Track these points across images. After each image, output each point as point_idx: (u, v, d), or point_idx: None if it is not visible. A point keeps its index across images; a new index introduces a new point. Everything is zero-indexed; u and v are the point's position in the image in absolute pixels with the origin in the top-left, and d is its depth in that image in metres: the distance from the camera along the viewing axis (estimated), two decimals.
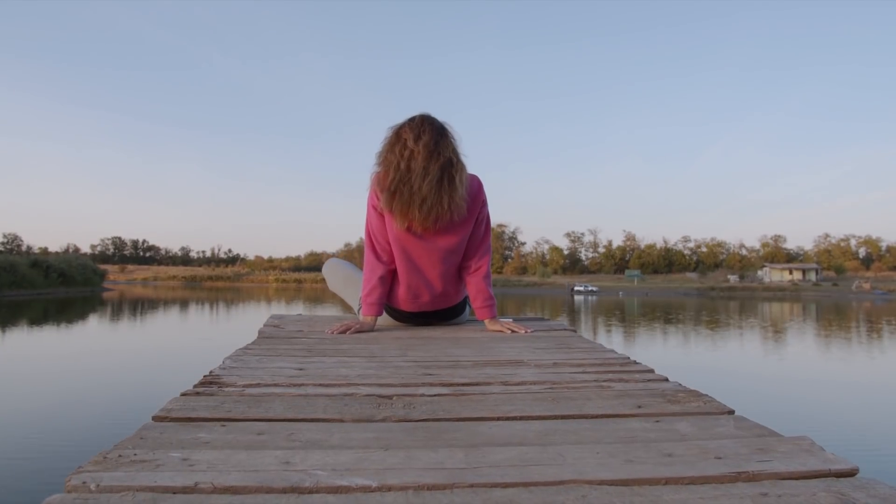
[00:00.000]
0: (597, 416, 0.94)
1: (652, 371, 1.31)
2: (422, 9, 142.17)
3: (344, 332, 1.88)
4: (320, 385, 1.12)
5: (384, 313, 2.08)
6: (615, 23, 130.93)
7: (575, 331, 2.08)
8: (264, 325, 2.09)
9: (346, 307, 2.36)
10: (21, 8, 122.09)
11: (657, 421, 0.91)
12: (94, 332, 11.78)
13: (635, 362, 1.42)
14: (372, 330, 1.96)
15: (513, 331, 1.96)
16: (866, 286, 61.52)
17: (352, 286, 2.28)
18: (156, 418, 0.88)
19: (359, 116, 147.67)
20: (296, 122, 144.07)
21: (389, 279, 2.00)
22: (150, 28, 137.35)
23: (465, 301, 2.20)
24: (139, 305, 23.45)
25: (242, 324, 15.92)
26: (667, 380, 1.22)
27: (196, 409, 0.92)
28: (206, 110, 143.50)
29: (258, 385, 1.11)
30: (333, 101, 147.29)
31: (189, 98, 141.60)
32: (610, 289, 64.93)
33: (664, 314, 20.95)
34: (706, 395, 1.07)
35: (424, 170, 1.86)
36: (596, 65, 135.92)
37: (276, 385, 1.11)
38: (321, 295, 46.72)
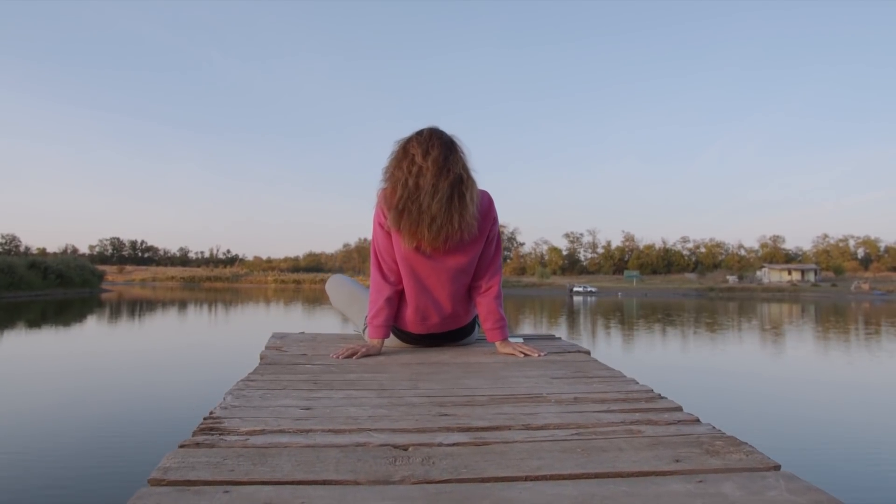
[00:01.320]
0: (633, 475, 0.86)
1: (680, 409, 1.23)
2: (421, 9, 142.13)
3: (350, 356, 1.80)
4: (329, 431, 1.04)
5: (391, 335, 2.01)
6: (615, 23, 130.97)
7: (589, 352, 2.01)
8: (266, 348, 2.01)
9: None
10: (20, 8, 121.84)
11: (700, 481, 0.83)
12: (88, 339, 11.68)
13: (660, 396, 1.34)
14: (379, 354, 1.88)
15: (525, 354, 1.88)
16: (865, 287, 61.55)
17: (356, 304, 2.20)
18: (152, 482, 0.80)
19: (358, 117, 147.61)
20: (295, 122, 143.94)
21: (397, 300, 1.93)
22: (149, 28, 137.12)
23: (475, 321, 2.13)
24: (137, 308, 23.33)
25: (242, 326, 15.83)
26: (699, 421, 1.14)
27: (196, 468, 0.84)
28: (205, 110, 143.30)
29: (263, 432, 1.03)
30: (333, 102, 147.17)
31: (188, 98, 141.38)
32: (609, 289, 64.90)
33: (664, 316, 20.88)
34: (746, 445, 0.99)
35: (434, 187, 1.79)
36: (595, 65, 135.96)
37: (281, 431, 1.03)
38: (320, 296, 46.64)
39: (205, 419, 1.10)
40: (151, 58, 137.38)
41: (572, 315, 22.08)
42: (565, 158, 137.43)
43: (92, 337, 11.95)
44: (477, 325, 2.17)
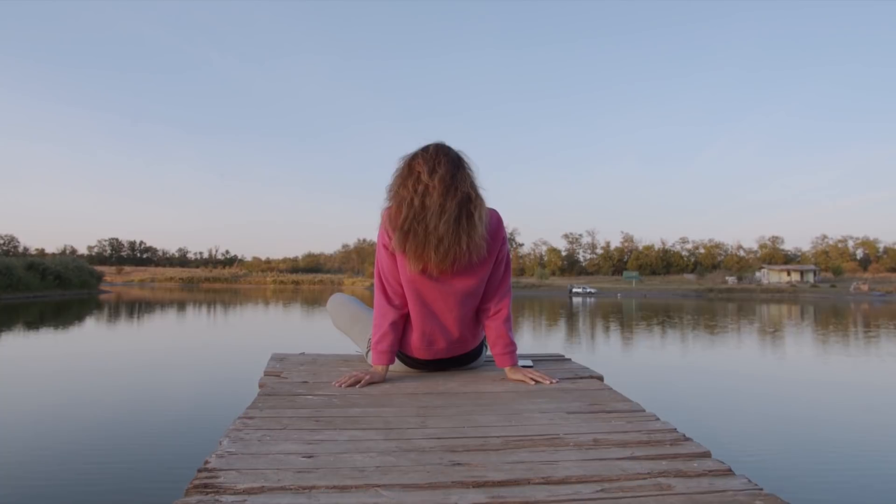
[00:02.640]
0: None
1: (708, 455, 1.15)
2: (420, 9, 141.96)
3: (353, 385, 1.72)
4: (334, 488, 0.96)
5: (396, 360, 1.92)
6: (614, 24, 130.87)
7: (602, 377, 1.92)
8: (265, 374, 1.92)
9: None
10: (20, 9, 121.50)
11: None
12: (83, 349, 11.59)
13: (685, 437, 1.26)
14: (383, 381, 1.80)
15: (536, 381, 1.80)
16: (864, 287, 61.55)
17: (359, 326, 2.12)
18: None
19: (357, 117, 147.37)
20: (293, 122, 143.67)
21: (402, 325, 1.84)
22: (149, 29, 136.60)
23: (482, 343, 2.05)
24: (134, 311, 23.21)
25: (241, 331, 15.72)
26: (730, 471, 1.06)
27: None
28: (205, 111, 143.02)
29: (262, 489, 0.95)
30: (332, 102, 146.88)
31: (187, 99, 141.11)
32: (608, 290, 64.86)
33: (666, 318, 20.80)
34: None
35: (441, 207, 1.71)
36: (594, 65, 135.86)
37: (282, 489, 0.95)
38: (318, 296, 46.53)
39: (199, 471, 1.02)
40: (151, 58, 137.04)
41: (572, 317, 21.99)
42: (564, 159, 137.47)
43: (83, 346, 11.86)
44: (485, 347, 2.09)
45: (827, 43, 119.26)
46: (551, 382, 1.79)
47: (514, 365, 1.86)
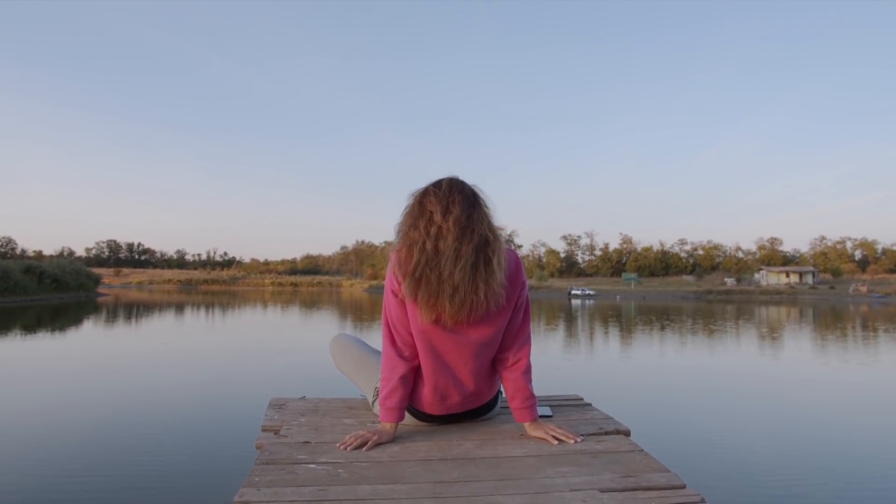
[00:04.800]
0: None
1: None
2: (419, 11, 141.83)
3: (360, 447, 1.57)
4: None
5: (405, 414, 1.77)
6: (612, 25, 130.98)
7: (629, 432, 1.78)
8: (262, 428, 1.77)
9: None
10: (19, 10, 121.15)
11: None
12: (76, 362, 11.44)
13: None
14: (392, 440, 1.65)
15: (559, 440, 1.65)
16: (863, 289, 61.53)
17: (365, 372, 1.96)
18: None
19: (356, 119, 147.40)
20: (292, 124, 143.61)
21: (412, 378, 1.69)
22: (149, 31, 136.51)
23: (498, 393, 1.90)
24: (133, 314, 23.02)
25: (239, 330, 15.52)
26: None
27: None
28: (204, 113, 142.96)
29: None
30: (330, 104, 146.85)
31: (186, 101, 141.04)
32: (607, 292, 64.74)
33: (667, 321, 20.65)
34: None
35: (456, 252, 1.56)
36: (593, 67, 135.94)
37: None
38: (317, 299, 46.33)
39: None
40: (150, 61, 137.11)
41: (571, 319, 21.83)
42: (563, 160, 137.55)
43: (71, 362, 11.70)
44: (500, 395, 1.94)
45: (825, 44, 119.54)
46: (575, 441, 1.64)
47: (534, 420, 1.71)
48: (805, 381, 8.59)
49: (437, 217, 1.59)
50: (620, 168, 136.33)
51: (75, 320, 19.65)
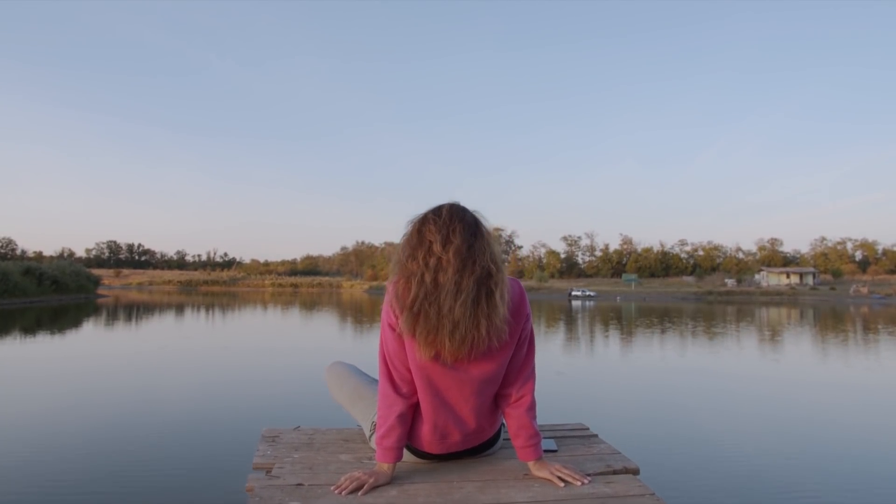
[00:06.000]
0: None
1: None
2: (419, 11, 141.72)
3: (356, 490, 1.50)
4: None
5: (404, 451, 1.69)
6: (612, 25, 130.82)
7: (637, 470, 1.71)
8: (254, 465, 1.70)
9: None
10: (19, 11, 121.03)
11: None
12: (71, 371, 11.35)
13: None
14: (389, 481, 1.57)
15: (565, 481, 1.58)
16: (864, 290, 61.45)
17: (361, 403, 1.89)
18: None
19: (356, 119, 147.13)
20: (292, 124, 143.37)
21: (410, 416, 1.62)
22: (149, 32, 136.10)
23: (501, 428, 1.83)
24: (131, 316, 22.93)
25: (237, 335, 15.41)
26: None
27: None
28: (203, 113, 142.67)
29: None
30: (330, 104, 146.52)
31: (186, 101, 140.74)
32: (607, 293, 64.66)
33: (669, 323, 20.56)
34: None
35: (457, 285, 1.48)
36: (593, 67, 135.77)
37: None
38: (317, 299, 46.27)
39: None
40: (150, 61, 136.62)
41: (571, 321, 21.75)
42: (563, 161, 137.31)
43: (59, 373, 11.62)
44: (503, 430, 1.86)
45: (825, 45, 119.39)
46: (582, 483, 1.57)
47: (538, 459, 1.64)
48: (840, 406, 7.03)
49: (437, 247, 1.52)
50: (620, 168, 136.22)
51: (74, 323, 19.59)
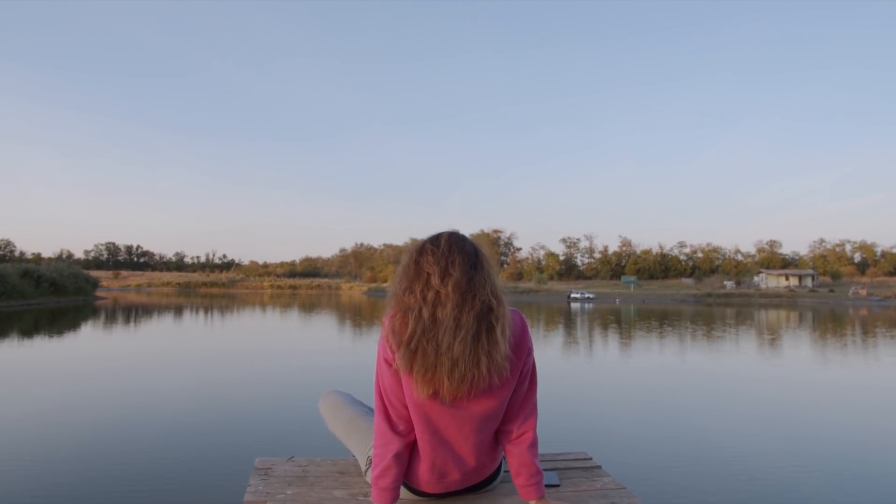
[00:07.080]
0: None
1: None
2: (419, 13, 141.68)
3: None
4: None
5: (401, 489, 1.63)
6: (611, 27, 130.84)
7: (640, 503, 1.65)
8: (245, 501, 1.64)
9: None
10: (19, 12, 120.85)
11: None
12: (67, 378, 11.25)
13: None
14: None
15: None
16: (863, 292, 61.41)
17: (357, 437, 1.82)
18: None
19: (355, 121, 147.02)
20: (292, 126, 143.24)
21: (408, 455, 1.55)
22: (149, 33, 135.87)
23: (501, 465, 1.77)
24: (129, 318, 22.85)
25: (239, 334, 15.35)
26: None
27: None
28: (203, 115, 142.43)
29: None
30: (330, 106, 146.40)
31: (186, 103, 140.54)
32: (606, 295, 64.58)
33: (670, 325, 20.51)
34: None
35: (456, 321, 1.42)
36: (592, 68, 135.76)
37: None
38: (316, 301, 46.21)
39: None
40: (149, 63, 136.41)
41: (571, 323, 21.69)
42: (562, 162, 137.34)
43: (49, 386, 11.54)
44: (503, 465, 1.80)
45: (824, 46, 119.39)
46: None
47: (541, 498, 1.58)
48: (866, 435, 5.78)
49: (435, 280, 1.45)
50: (620, 170, 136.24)
51: (71, 325, 19.50)
